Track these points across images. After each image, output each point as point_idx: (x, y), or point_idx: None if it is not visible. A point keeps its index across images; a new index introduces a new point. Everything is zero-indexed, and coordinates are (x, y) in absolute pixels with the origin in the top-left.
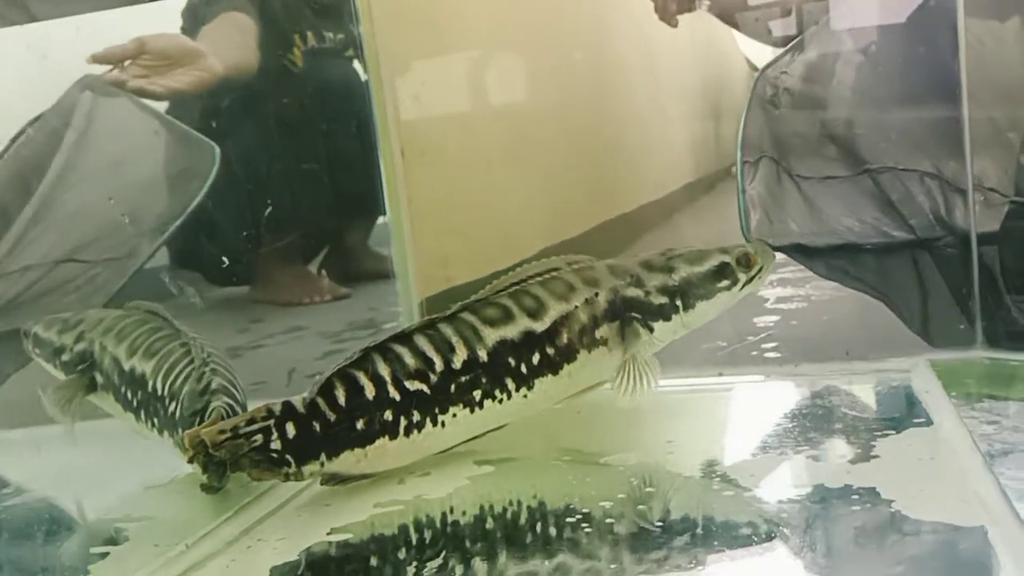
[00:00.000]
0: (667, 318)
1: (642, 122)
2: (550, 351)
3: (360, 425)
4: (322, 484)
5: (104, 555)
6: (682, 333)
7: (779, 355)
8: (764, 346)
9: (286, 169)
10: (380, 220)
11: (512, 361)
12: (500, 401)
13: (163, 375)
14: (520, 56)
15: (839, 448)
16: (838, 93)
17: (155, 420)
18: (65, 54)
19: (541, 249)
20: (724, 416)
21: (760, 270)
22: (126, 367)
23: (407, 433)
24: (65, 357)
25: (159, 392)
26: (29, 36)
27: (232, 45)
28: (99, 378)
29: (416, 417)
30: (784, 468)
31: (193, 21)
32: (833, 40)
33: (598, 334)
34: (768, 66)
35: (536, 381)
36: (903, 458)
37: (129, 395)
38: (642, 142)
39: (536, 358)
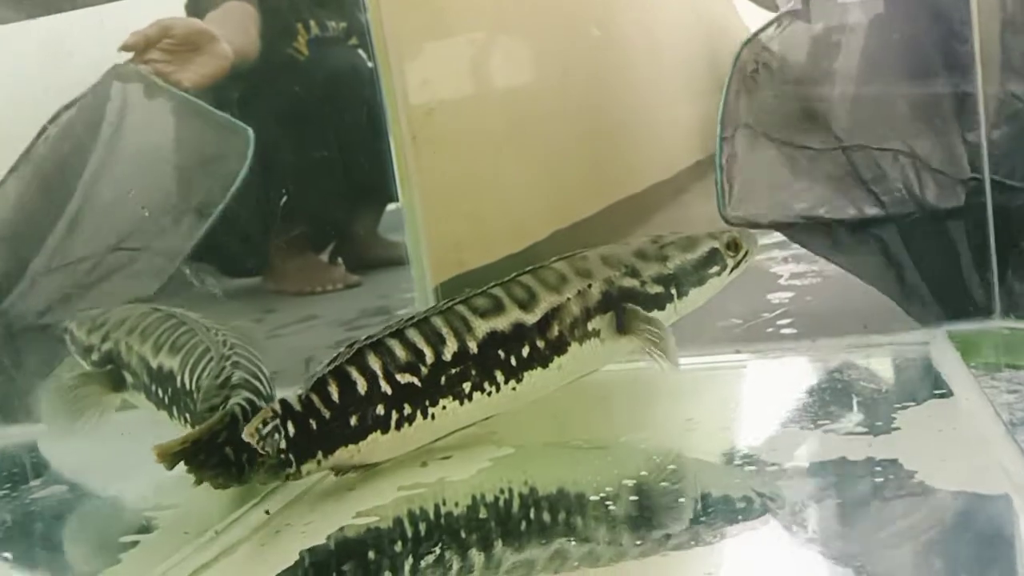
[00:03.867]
0: (662, 307)
1: (649, 101)
2: (540, 344)
3: (353, 421)
4: (336, 475)
5: (134, 544)
6: (673, 320)
7: (795, 331)
8: (780, 322)
9: (297, 159)
10: (390, 207)
11: (502, 354)
12: (489, 394)
13: (190, 369)
14: (526, 37)
15: (859, 421)
16: (821, 69)
17: (187, 416)
18: (86, 45)
19: (552, 231)
20: (743, 393)
21: (746, 255)
22: (153, 365)
23: (398, 427)
24: (94, 357)
25: (188, 387)
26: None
27: (236, 32)
28: (128, 377)
29: (407, 410)
30: (805, 443)
31: (195, 10)
32: (820, 14)
33: (590, 326)
34: (748, 41)
35: (525, 374)
36: (925, 429)
37: (160, 393)
38: (650, 121)
39: (526, 351)
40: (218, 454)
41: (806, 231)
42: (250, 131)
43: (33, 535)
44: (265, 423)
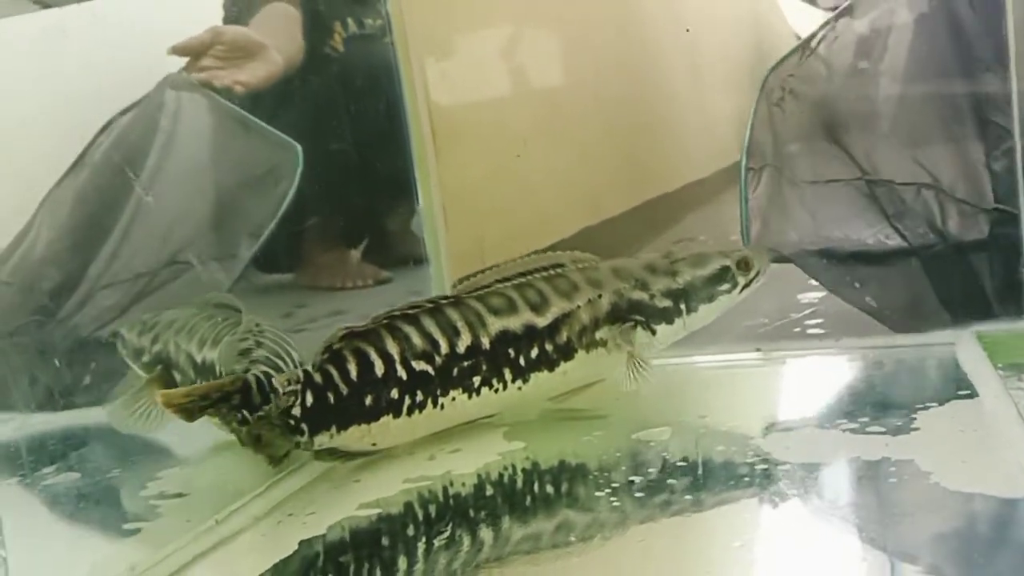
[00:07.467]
0: (670, 321)
1: (683, 96)
2: (549, 347)
3: (368, 401)
4: (316, 459)
5: (136, 531)
6: (682, 335)
7: (822, 331)
8: (808, 322)
9: (330, 156)
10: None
11: (512, 352)
12: (496, 390)
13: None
14: (552, 30)
15: (878, 422)
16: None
17: None
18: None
19: (580, 228)
20: (762, 392)
21: (757, 274)
22: (198, 360)
23: (409, 413)
24: (145, 359)
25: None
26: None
27: (282, 37)
28: (178, 376)
29: (419, 397)
30: (820, 442)
31: (234, 9)
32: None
33: (598, 335)
34: (776, 66)
35: (532, 375)
36: (944, 430)
37: None
38: (686, 117)
39: (535, 353)
40: (234, 413)
41: (824, 266)
42: (299, 148)
43: (39, 522)
44: (290, 382)
